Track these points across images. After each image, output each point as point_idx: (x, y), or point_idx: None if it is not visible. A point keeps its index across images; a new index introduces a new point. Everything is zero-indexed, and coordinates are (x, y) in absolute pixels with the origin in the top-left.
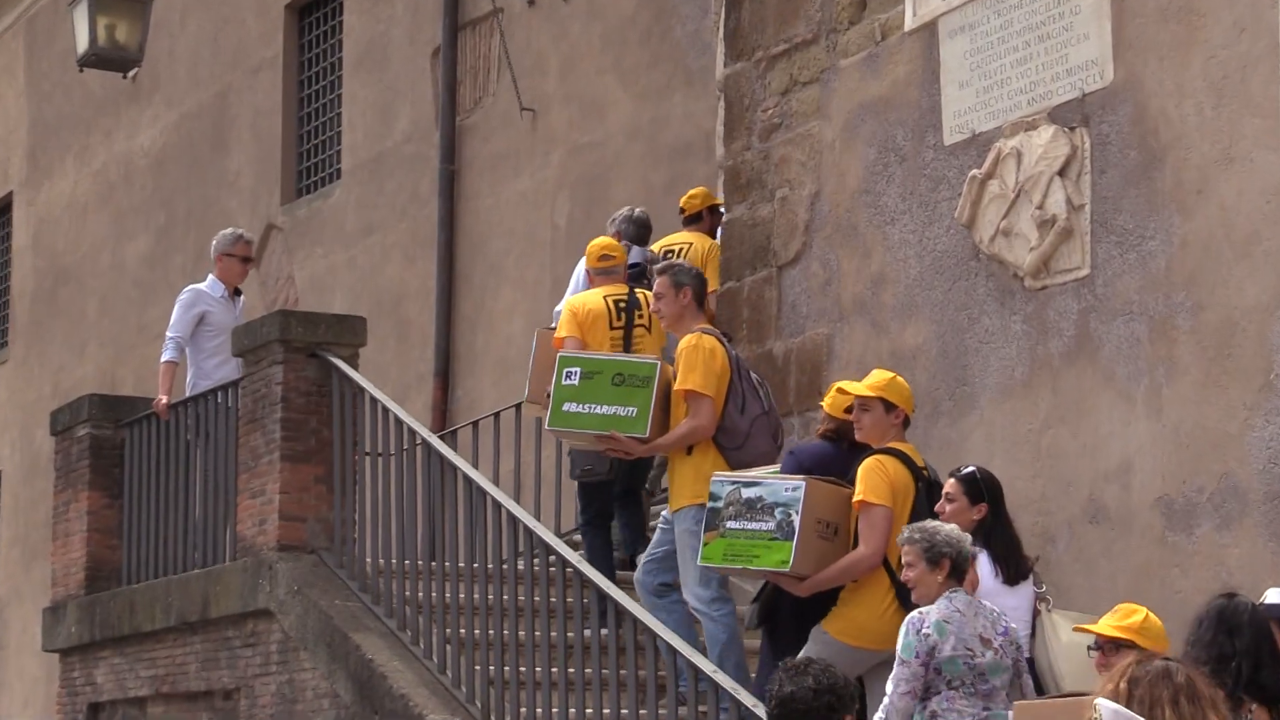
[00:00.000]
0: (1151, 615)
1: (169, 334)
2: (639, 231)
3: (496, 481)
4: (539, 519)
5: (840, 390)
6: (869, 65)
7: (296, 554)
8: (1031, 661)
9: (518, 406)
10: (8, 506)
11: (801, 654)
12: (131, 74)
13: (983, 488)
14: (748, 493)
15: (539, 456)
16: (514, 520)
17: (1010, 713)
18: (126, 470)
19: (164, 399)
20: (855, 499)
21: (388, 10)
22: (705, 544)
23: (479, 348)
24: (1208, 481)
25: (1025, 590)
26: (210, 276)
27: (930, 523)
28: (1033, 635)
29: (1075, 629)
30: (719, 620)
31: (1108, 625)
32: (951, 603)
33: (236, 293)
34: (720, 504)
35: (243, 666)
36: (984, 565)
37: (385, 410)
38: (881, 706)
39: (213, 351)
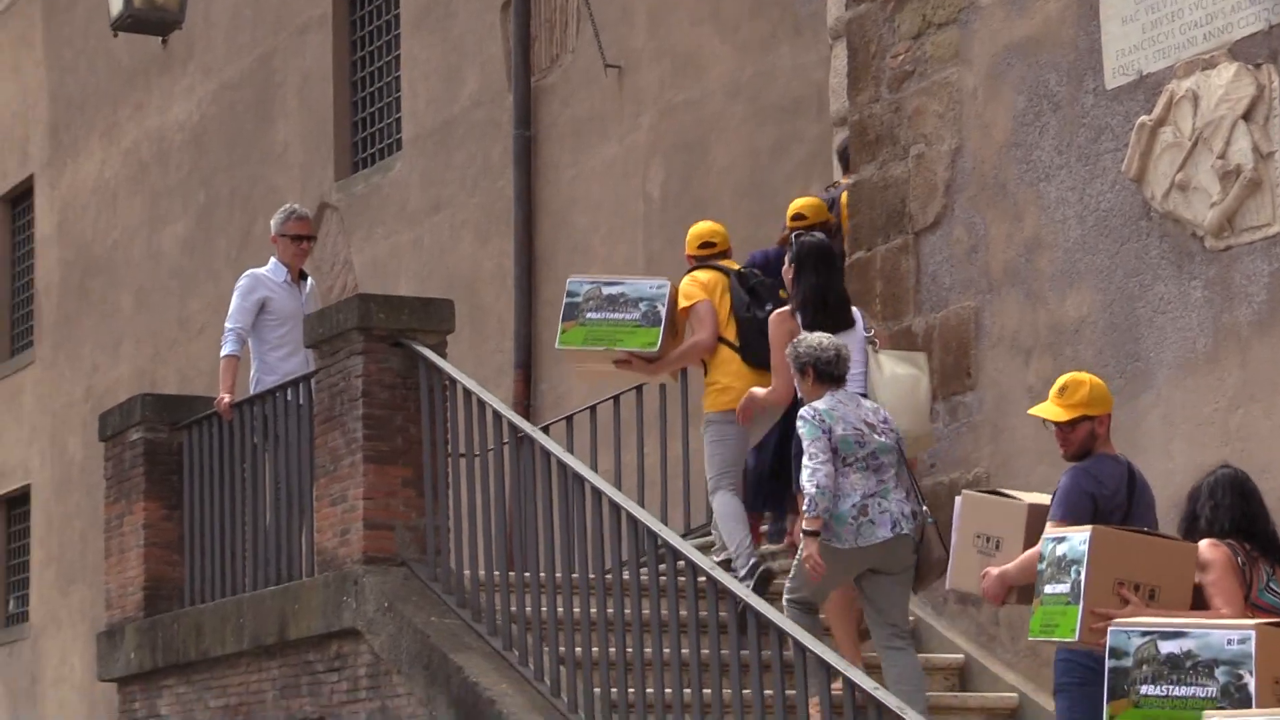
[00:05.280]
0: (1094, 379)
1: (228, 325)
2: None
3: None
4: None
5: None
6: (1015, 1)
7: (385, 566)
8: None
9: (615, 399)
10: (39, 524)
11: (707, 447)
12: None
13: (793, 251)
14: (609, 290)
15: (642, 455)
16: (634, 523)
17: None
18: (186, 477)
19: (226, 397)
20: (680, 308)
21: None
22: (563, 331)
23: None
24: None
25: (852, 335)
26: (272, 260)
27: (800, 337)
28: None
29: (1030, 413)
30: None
31: (1056, 408)
32: (834, 396)
33: (303, 276)
34: (579, 299)
35: (327, 693)
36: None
37: (481, 403)
38: (806, 475)
39: (277, 343)
